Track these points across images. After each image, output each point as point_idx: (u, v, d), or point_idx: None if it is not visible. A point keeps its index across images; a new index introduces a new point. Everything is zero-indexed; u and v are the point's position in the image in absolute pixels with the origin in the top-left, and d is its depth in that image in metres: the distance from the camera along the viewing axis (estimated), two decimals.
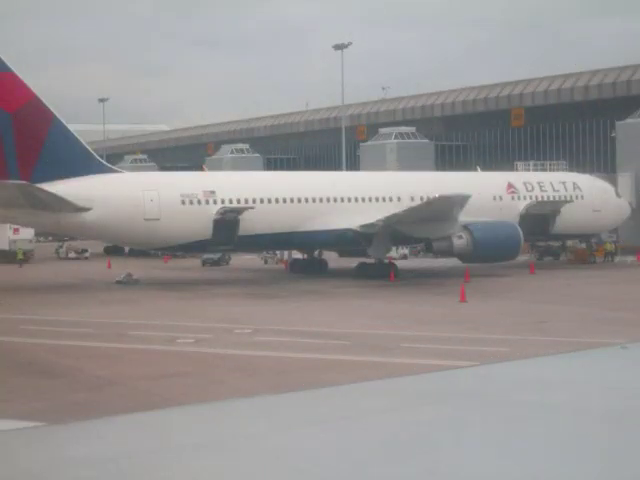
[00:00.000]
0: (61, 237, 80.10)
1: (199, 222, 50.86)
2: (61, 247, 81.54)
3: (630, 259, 66.64)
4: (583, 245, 67.99)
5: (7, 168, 47.56)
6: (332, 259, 61.41)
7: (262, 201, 53.00)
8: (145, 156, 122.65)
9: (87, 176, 49.71)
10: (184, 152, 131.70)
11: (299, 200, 54.19)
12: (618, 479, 3.97)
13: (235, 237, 51.66)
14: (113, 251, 78.72)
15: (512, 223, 55.57)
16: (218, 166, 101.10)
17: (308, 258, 60.58)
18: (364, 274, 53.55)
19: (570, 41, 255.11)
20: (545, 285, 49.74)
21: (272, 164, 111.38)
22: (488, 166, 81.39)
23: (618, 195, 65.96)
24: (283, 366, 25.74)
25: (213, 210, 51.43)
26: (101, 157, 59.45)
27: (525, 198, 61.12)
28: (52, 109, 49.53)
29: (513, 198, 60.72)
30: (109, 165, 55.69)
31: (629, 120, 76.02)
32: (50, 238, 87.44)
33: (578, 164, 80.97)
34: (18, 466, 4.12)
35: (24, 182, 46.33)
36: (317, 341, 30.36)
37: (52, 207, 47.92)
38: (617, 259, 67.46)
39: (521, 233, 54.25)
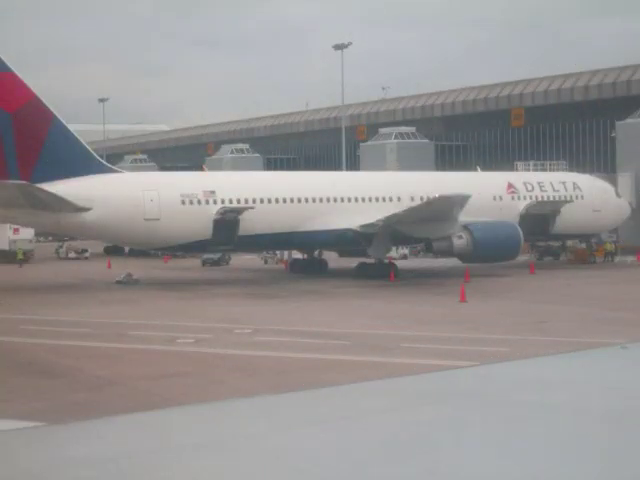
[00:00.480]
0: (61, 237, 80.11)
1: (199, 222, 50.86)
2: (61, 247, 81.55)
3: (630, 259, 66.64)
4: (583, 245, 68.01)
5: (7, 168, 47.56)
6: (332, 259, 61.41)
7: (262, 201, 53.00)
8: (145, 156, 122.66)
9: (87, 176, 49.70)
10: (184, 152, 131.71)
11: (299, 200, 54.19)
12: (618, 479, 3.97)
13: (235, 237, 51.65)
14: (113, 251, 78.73)
15: (512, 223, 55.57)
16: (218, 166, 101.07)
17: (308, 258, 60.58)
18: (364, 274, 53.54)
19: (570, 41, 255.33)
20: (545, 285, 49.73)
21: (272, 164, 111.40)
22: (488, 166, 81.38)
23: (618, 195, 65.96)
24: (283, 366, 25.73)
25: (213, 210, 51.44)
26: (101, 157, 59.44)
27: (525, 198, 61.12)
28: (52, 109, 49.54)
29: (513, 198, 60.72)
30: (109, 165, 55.69)
31: (629, 120, 76.02)
32: (50, 238, 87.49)
33: (578, 164, 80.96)
34: (18, 466, 4.12)
35: (24, 182, 46.33)
36: (317, 341, 30.36)
37: (52, 207, 47.92)
38: (617, 259, 67.47)
39: (521, 233, 54.25)
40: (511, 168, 79.55)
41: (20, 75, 48.59)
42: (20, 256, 71.21)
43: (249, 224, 51.59)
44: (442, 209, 49.81)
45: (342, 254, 61.09)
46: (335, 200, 54.94)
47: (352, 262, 57.42)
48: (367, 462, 4.12)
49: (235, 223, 51.52)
